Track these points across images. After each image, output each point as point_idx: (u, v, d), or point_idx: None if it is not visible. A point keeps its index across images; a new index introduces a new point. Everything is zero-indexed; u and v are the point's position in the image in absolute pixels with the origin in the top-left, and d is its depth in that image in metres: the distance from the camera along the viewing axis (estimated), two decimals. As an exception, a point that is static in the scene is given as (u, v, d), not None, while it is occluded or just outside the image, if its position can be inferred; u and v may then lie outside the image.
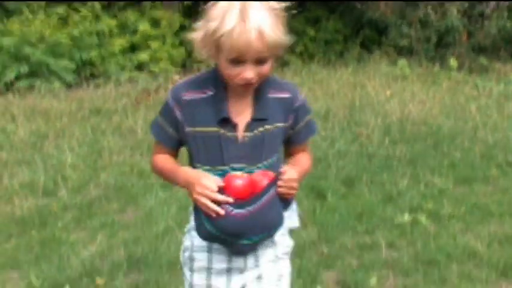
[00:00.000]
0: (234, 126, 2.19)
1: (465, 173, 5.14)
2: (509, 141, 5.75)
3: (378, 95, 7.43)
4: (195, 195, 2.13)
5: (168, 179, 2.30)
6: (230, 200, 2.12)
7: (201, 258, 2.29)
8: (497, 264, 3.74)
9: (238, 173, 2.18)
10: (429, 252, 3.90)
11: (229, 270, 2.28)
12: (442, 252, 3.87)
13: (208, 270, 2.29)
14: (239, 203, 2.13)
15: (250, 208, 2.15)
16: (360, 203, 4.61)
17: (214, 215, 2.12)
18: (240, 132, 2.19)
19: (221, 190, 2.12)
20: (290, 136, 2.31)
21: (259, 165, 2.21)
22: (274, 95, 2.24)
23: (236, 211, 2.13)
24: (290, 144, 2.36)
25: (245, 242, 2.18)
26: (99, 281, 3.60)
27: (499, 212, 4.44)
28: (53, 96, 7.91)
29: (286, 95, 2.25)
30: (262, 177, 2.17)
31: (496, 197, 4.69)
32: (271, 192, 2.17)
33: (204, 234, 2.20)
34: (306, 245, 3.97)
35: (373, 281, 3.58)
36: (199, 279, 2.30)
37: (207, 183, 2.12)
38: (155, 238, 4.14)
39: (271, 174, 2.18)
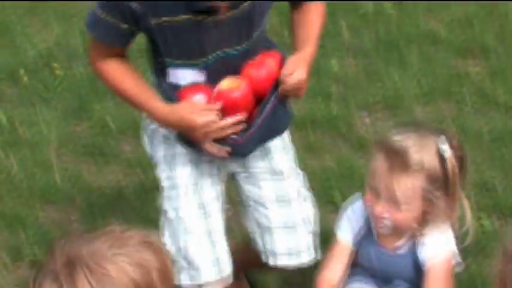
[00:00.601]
0: (214, 9, 1.69)
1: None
2: None
3: None
4: (202, 144, 1.74)
5: (133, 107, 1.83)
6: (240, 127, 1.76)
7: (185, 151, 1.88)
8: (457, 46, 3.76)
9: (226, 81, 1.75)
10: (390, 35, 3.88)
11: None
12: (403, 36, 3.86)
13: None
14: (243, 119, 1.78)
15: (253, 127, 1.78)
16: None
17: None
18: (222, 11, 1.70)
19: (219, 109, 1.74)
20: None
21: (247, 43, 1.77)
22: None
23: (239, 136, 1.78)
24: None
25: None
26: (56, 67, 3.56)
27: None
28: None
29: None
30: (259, 70, 1.79)
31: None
32: (274, 99, 1.79)
33: (190, 148, 1.84)
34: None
35: (333, 63, 3.60)
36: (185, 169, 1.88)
37: (205, 119, 1.69)
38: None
39: (271, 65, 1.79)
